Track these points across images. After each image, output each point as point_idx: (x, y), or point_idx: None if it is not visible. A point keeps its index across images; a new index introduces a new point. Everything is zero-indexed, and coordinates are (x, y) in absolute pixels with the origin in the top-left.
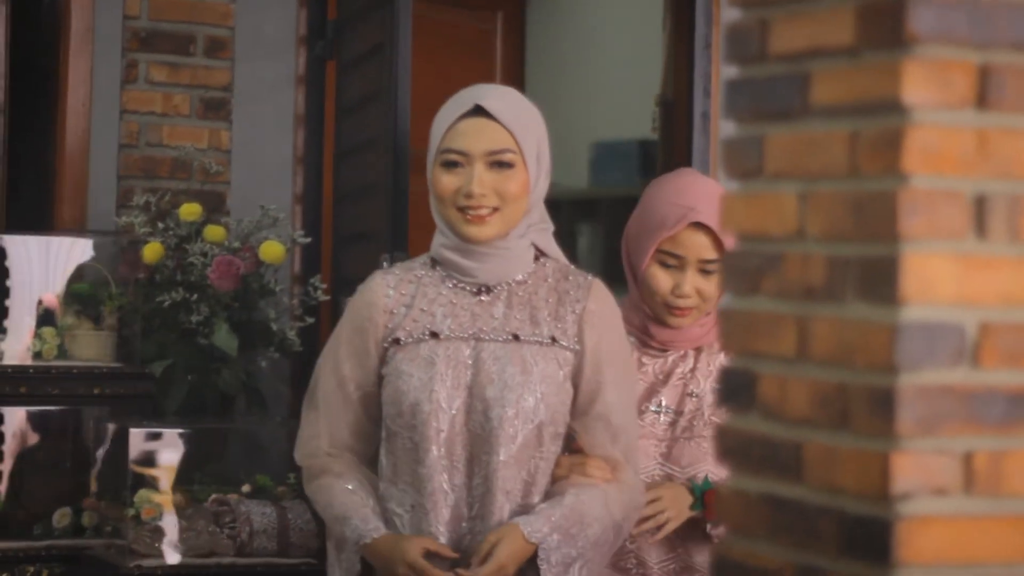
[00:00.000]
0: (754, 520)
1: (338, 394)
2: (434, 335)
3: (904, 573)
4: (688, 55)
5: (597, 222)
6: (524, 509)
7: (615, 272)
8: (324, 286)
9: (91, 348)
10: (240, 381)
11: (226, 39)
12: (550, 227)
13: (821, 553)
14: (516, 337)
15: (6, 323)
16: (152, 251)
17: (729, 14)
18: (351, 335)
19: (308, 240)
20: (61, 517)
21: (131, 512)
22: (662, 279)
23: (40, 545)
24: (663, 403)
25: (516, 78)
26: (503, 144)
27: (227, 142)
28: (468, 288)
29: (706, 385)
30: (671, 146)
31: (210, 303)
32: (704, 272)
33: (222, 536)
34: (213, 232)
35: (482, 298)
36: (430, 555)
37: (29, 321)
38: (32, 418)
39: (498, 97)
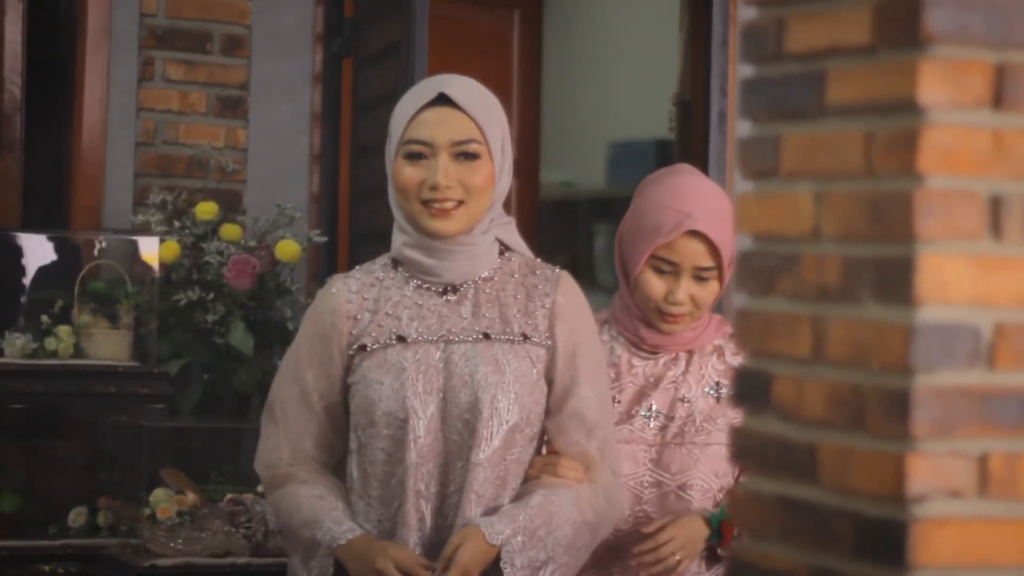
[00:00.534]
0: (768, 521)
1: (300, 405)
2: (401, 339)
3: (919, 575)
4: (705, 54)
5: (614, 222)
6: (493, 512)
7: None
8: None
9: (107, 347)
10: (256, 380)
11: (243, 37)
12: (511, 220)
13: (836, 555)
14: (486, 336)
15: (22, 321)
16: (168, 250)
17: (745, 13)
18: (313, 343)
19: (324, 239)
20: (76, 516)
21: (146, 511)
22: (656, 285)
23: (55, 544)
24: (653, 407)
25: (533, 77)
26: (469, 134)
27: (243, 140)
28: (433, 288)
29: (698, 390)
30: (688, 146)
31: (226, 302)
32: (699, 279)
33: (237, 536)
34: (229, 231)
35: (448, 298)
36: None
37: (45, 319)
38: (48, 417)
39: (461, 85)
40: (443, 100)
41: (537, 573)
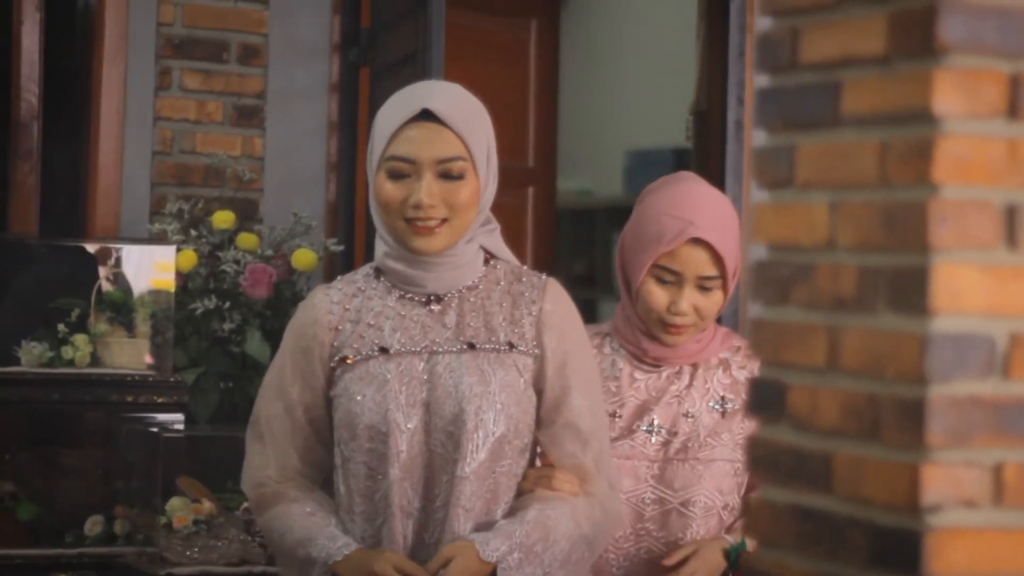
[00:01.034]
0: (783, 531)
1: (285, 420)
2: (384, 351)
3: None
4: (722, 64)
5: None
6: (485, 527)
7: None
8: None
9: (124, 355)
10: None
11: (259, 46)
12: (496, 228)
13: (850, 564)
14: (471, 346)
15: (39, 330)
16: (185, 259)
17: (762, 23)
18: (296, 356)
19: (341, 248)
20: (93, 525)
21: (163, 520)
22: (658, 295)
23: (72, 553)
24: (655, 422)
25: (550, 85)
26: (453, 152)
27: (260, 149)
28: (416, 298)
29: (702, 404)
30: (705, 155)
31: (242, 311)
32: (702, 288)
33: (253, 544)
34: (246, 240)
35: (432, 308)
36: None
37: (62, 328)
38: (64, 426)
39: (445, 98)
40: (427, 115)
41: None
